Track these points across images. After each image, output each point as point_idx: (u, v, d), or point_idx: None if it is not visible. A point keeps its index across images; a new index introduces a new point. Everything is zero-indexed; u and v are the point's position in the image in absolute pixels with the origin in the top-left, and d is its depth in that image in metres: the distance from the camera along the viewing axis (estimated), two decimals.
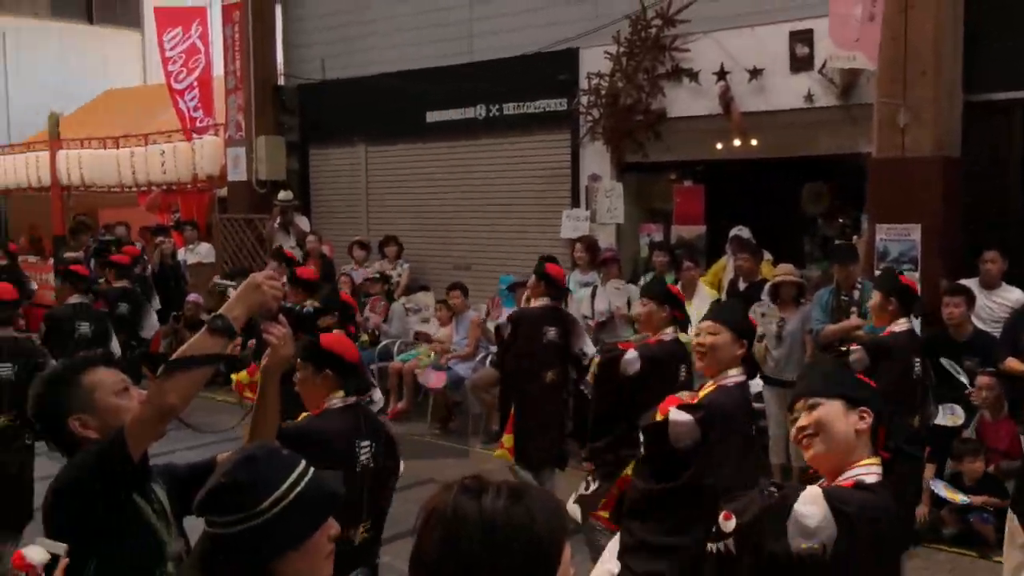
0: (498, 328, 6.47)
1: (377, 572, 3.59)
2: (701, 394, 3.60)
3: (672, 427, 3.44)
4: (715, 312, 3.87)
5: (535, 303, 6.28)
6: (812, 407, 2.48)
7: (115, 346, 7.25)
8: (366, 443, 3.35)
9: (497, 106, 10.19)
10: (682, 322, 4.96)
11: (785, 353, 6.82)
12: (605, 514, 4.49)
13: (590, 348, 6.36)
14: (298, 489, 1.67)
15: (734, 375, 3.63)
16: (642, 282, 7.92)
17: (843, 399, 2.48)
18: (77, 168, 13.59)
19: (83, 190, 14.17)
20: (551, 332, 6.14)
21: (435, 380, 8.76)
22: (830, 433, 2.45)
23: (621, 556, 3.52)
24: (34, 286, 11.86)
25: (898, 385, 4.76)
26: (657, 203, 10.02)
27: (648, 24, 8.83)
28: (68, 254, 11.48)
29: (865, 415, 2.46)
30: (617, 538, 3.67)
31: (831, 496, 2.30)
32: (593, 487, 4.71)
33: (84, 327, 6.97)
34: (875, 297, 5.12)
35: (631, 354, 4.78)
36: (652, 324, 4.91)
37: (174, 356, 2.25)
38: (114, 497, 2.25)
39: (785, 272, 7.12)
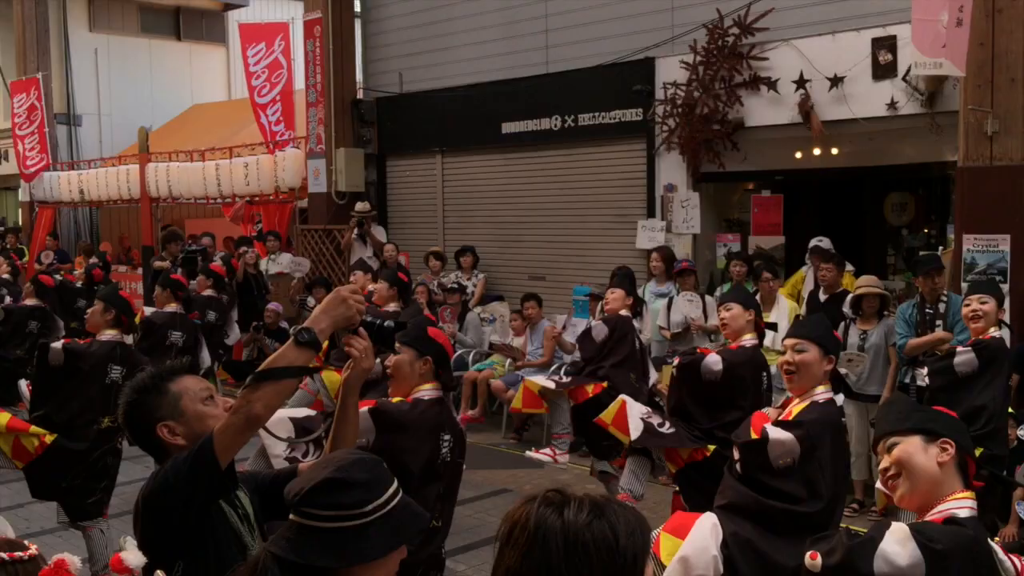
0: (583, 335, 6.52)
1: (443, 566, 3.65)
2: (794, 411, 3.55)
3: (772, 446, 3.41)
4: (800, 328, 3.79)
5: (623, 312, 6.35)
6: (891, 447, 2.40)
7: (205, 356, 7.46)
8: (447, 437, 3.48)
9: (572, 117, 10.21)
10: (760, 331, 4.92)
11: (867, 367, 6.67)
12: None
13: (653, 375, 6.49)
14: (393, 504, 1.71)
15: (822, 392, 3.57)
16: (718, 293, 7.85)
17: (920, 433, 2.39)
18: (165, 180, 14.03)
19: (170, 202, 14.61)
20: (637, 341, 6.35)
21: (509, 391, 8.78)
22: (911, 470, 2.37)
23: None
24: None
25: (1005, 393, 4.70)
26: (734, 213, 9.92)
27: (725, 33, 8.76)
28: (157, 263, 11.86)
29: (947, 446, 2.36)
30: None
31: (920, 533, 2.23)
32: None
33: (176, 335, 7.19)
34: (988, 303, 5.00)
35: (713, 357, 4.77)
36: (735, 328, 4.87)
37: (261, 367, 2.30)
38: (202, 503, 2.31)
39: (868, 284, 6.96)
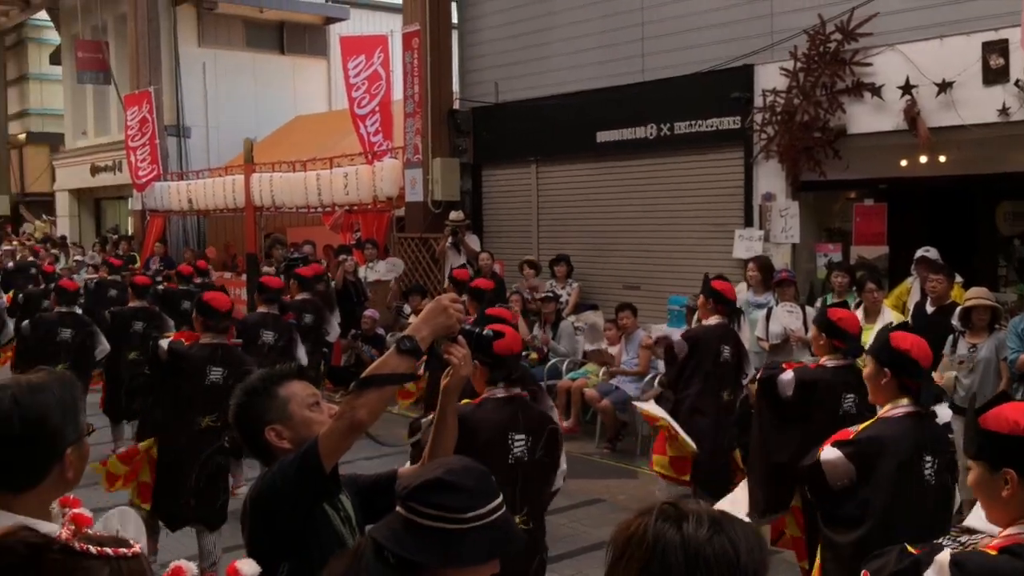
0: (668, 348, 6.40)
1: (544, 567, 3.66)
2: (860, 427, 3.45)
3: (825, 467, 3.31)
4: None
5: (709, 321, 6.21)
6: (970, 469, 2.33)
7: (301, 354, 7.63)
8: (521, 437, 3.50)
9: (668, 125, 10.13)
10: (841, 350, 4.63)
11: (977, 381, 6.42)
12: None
13: (751, 369, 6.26)
14: (492, 517, 1.73)
15: (904, 406, 3.38)
16: (819, 304, 7.67)
17: (986, 462, 2.26)
18: (268, 190, 14.46)
19: (273, 210, 15.05)
20: (726, 351, 6.07)
21: (603, 401, 8.77)
22: (981, 499, 2.28)
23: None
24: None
25: None
26: (835, 222, 9.68)
27: (827, 38, 8.57)
28: (265, 268, 12.23)
29: (1008, 478, 2.19)
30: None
31: (959, 567, 2.14)
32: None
33: (268, 335, 7.37)
34: None
35: (787, 375, 4.66)
36: (816, 350, 4.79)
37: (364, 374, 2.36)
38: (307, 506, 2.37)
39: (978, 296, 6.70)
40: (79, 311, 8.67)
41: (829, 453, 3.30)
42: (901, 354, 3.36)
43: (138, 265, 15.40)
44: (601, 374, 9.10)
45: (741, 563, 1.35)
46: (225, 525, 5.66)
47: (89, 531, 1.51)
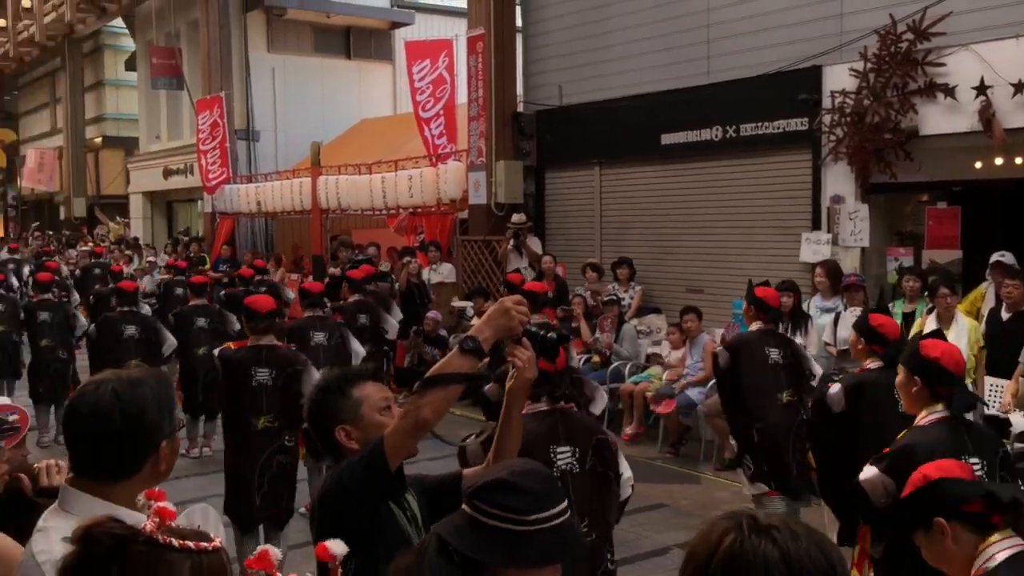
0: (715, 356, 6.35)
1: None
2: (898, 438, 3.38)
3: (866, 487, 3.27)
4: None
5: (751, 327, 6.15)
6: None
7: (356, 347, 7.75)
8: (565, 448, 3.47)
9: (734, 127, 10.02)
10: (879, 354, 4.54)
11: None
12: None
13: (818, 368, 6.15)
14: (556, 522, 1.74)
15: (938, 412, 3.35)
16: (892, 308, 7.51)
17: None
18: (335, 192, 14.67)
19: (339, 213, 15.27)
20: (774, 353, 5.97)
21: (664, 405, 8.71)
22: None
23: None
24: (290, 296, 12.90)
25: None
26: (906, 226, 9.47)
27: (899, 38, 8.40)
28: (331, 270, 12.42)
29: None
30: None
31: None
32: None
33: (319, 336, 7.50)
34: None
35: (833, 389, 4.60)
36: (855, 354, 4.76)
37: (428, 374, 2.39)
38: (373, 504, 2.40)
39: None
40: (148, 308, 8.96)
41: (867, 472, 3.28)
42: (931, 362, 3.34)
43: (207, 266, 15.76)
44: (664, 378, 9.04)
45: (835, 574, 1.35)
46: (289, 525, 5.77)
47: (172, 524, 1.56)
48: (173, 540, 1.50)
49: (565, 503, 1.80)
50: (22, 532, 2.52)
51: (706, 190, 10.51)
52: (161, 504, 1.62)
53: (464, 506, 1.77)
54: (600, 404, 4.19)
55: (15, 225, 29.15)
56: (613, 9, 11.55)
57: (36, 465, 2.80)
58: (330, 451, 2.61)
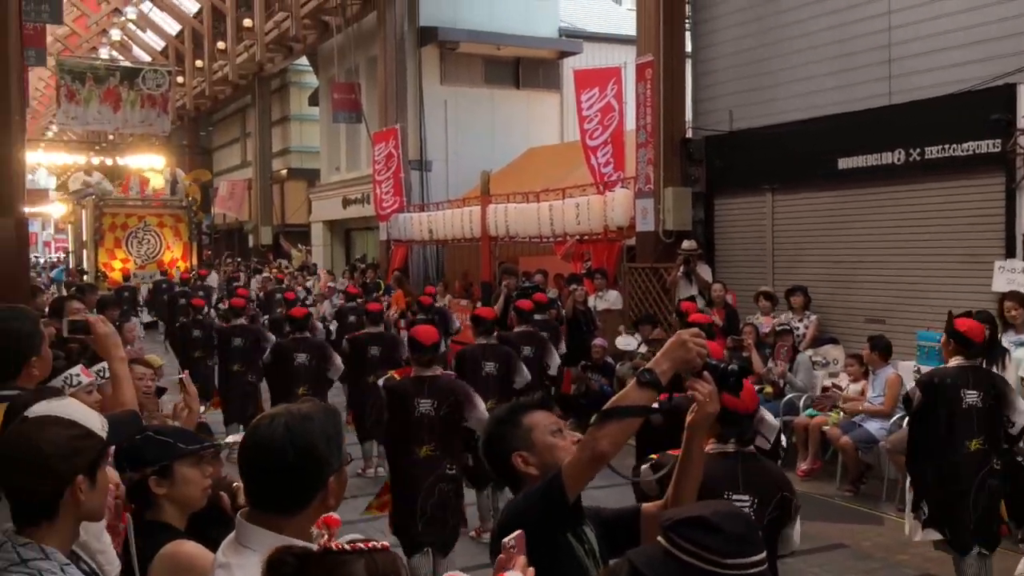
0: (905, 395, 6.00)
1: None
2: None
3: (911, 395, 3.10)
4: None
5: (950, 363, 5.76)
6: None
7: (525, 375, 7.76)
8: (744, 497, 3.34)
9: (918, 150, 9.56)
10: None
11: None
12: None
13: (1021, 418, 5.68)
14: (752, 571, 1.70)
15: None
16: None
17: None
18: (503, 220, 14.96)
19: (507, 240, 15.54)
20: (971, 396, 5.56)
21: (844, 439, 8.36)
22: None
23: None
24: (457, 324, 13.23)
25: None
26: None
27: None
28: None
29: None
30: None
31: None
32: None
33: (489, 366, 7.57)
34: None
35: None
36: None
37: (606, 406, 2.40)
38: (551, 534, 2.42)
39: None
40: (325, 331, 9.38)
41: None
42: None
43: (381, 291, 16.37)
44: (841, 412, 8.68)
45: None
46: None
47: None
48: (345, 545, 1.60)
49: (764, 553, 1.76)
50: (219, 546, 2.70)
51: (888, 216, 10.07)
52: (327, 514, 1.72)
53: (660, 537, 1.76)
54: (770, 431, 4.00)
55: (209, 253, 31.32)
56: (787, 31, 11.29)
57: (235, 484, 2.98)
58: (509, 481, 2.65)
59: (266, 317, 15.17)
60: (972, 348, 5.61)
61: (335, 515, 1.76)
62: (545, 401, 2.79)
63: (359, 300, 13.31)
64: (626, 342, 11.22)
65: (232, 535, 2.10)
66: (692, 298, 10.62)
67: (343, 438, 2.17)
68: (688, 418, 2.58)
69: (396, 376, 6.14)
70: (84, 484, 2.21)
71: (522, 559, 1.90)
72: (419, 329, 6.11)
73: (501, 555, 1.92)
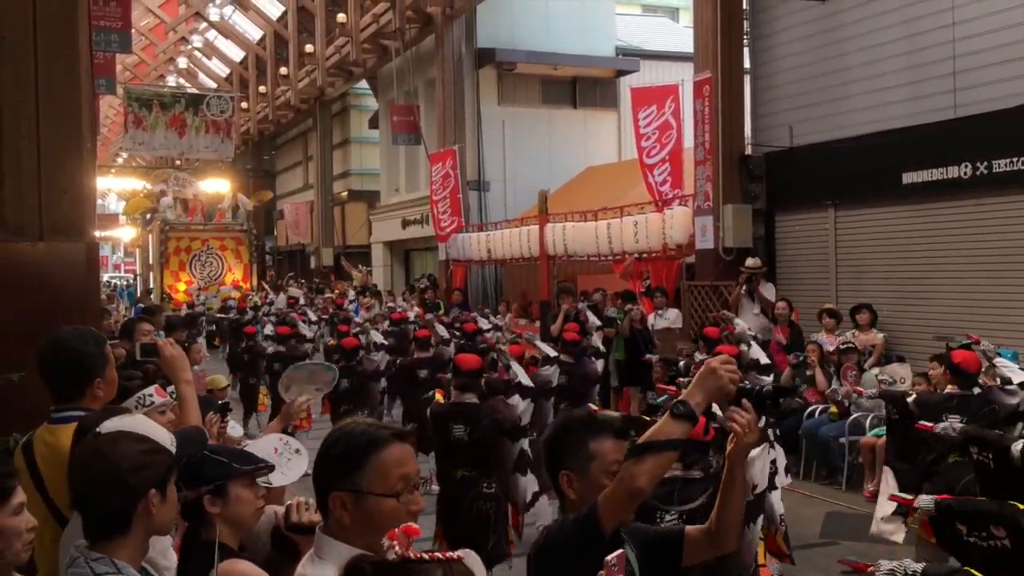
0: None
1: None
2: None
3: None
4: None
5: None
6: None
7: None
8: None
9: (985, 163, 9.34)
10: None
11: None
12: None
13: None
14: None
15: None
16: None
17: None
18: (561, 239, 14.97)
19: (565, 259, 15.54)
20: None
21: None
22: None
23: None
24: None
25: None
26: None
27: None
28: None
29: None
30: None
31: None
32: None
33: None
34: None
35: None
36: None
37: (641, 440, 2.35)
38: (586, 566, 2.32)
39: None
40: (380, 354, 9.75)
41: None
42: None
43: (441, 311, 16.45)
44: None
45: None
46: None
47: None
48: (424, 554, 1.62)
49: None
50: (269, 562, 2.74)
51: (955, 231, 9.84)
52: (407, 524, 1.74)
53: None
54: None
55: (272, 274, 31.86)
56: (848, 45, 11.15)
57: (290, 503, 3.02)
58: (553, 483, 2.61)
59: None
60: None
61: (414, 524, 1.78)
62: (623, 429, 2.66)
63: (404, 324, 13.17)
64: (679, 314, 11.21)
65: (312, 550, 2.15)
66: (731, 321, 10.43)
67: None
68: (728, 448, 2.51)
69: (440, 399, 6.32)
70: (156, 498, 2.27)
71: None
72: (462, 356, 6.33)
73: (602, 571, 1.91)
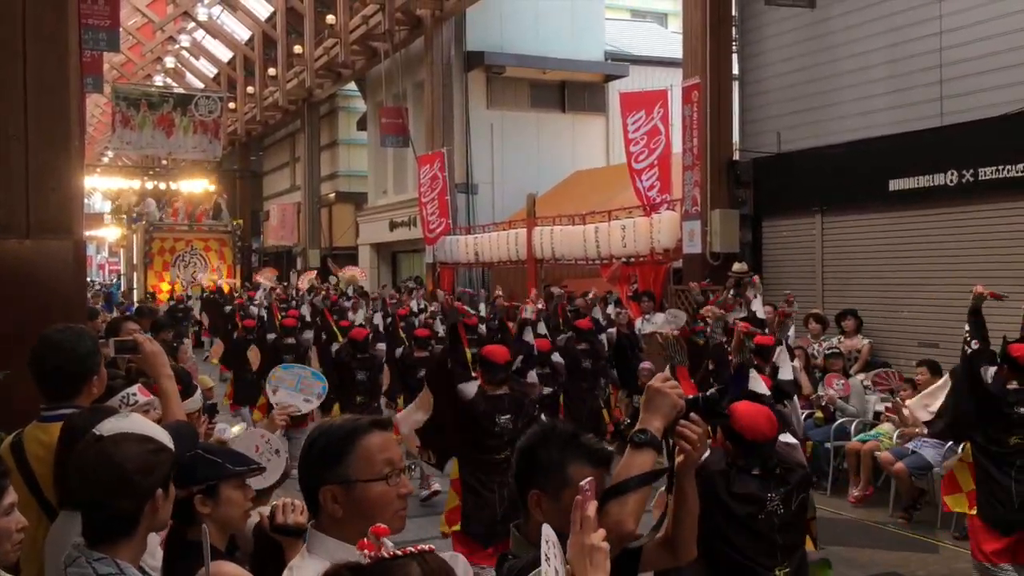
0: None
1: None
2: None
3: None
4: None
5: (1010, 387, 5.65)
6: None
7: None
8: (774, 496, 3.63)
9: (971, 171, 9.41)
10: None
11: None
12: None
13: None
14: None
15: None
16: None
17: None
18: (549, 243, 15.00)
19: (553, 262, 15.56)
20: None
21: (898, 465, 8.19)
22: None
23: None
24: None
25: None
26: None
27: None
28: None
29: None
30: None
31: None
32: None
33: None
34: None
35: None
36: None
37: (614, 483, 2.25)
38: None
39: None
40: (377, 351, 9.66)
41: None
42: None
43: (427, 314, 16.40)
44: (895, 436, 8.52)
45: None
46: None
47: (386, 540, 1.69)
48: (397, 551, 1.64)
49: None
50: (254, 563, 2.73)
51: (940, 238, 9.91)
52: (376, 525, 1.75)
53: None
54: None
55: (257, 276, 31.79)
56: (836, 52, 11.22)
57: (274, 503, 3.00)
58: (520, 498, 2.38)
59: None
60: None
61: (380, 524, 1.78)
62: (604, 458, 2.39)
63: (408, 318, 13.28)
64: (670, 318, 11.07)
65: (304, 547, 2.16)
66: (746, 318, 10.48)
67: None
68: (676, 462, 2.47)
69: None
70: (161, 498, 2.27)
71: (594, 504, 1.87)
72: (493, 349, 6.00)
73: (577, 496, 1.88)
